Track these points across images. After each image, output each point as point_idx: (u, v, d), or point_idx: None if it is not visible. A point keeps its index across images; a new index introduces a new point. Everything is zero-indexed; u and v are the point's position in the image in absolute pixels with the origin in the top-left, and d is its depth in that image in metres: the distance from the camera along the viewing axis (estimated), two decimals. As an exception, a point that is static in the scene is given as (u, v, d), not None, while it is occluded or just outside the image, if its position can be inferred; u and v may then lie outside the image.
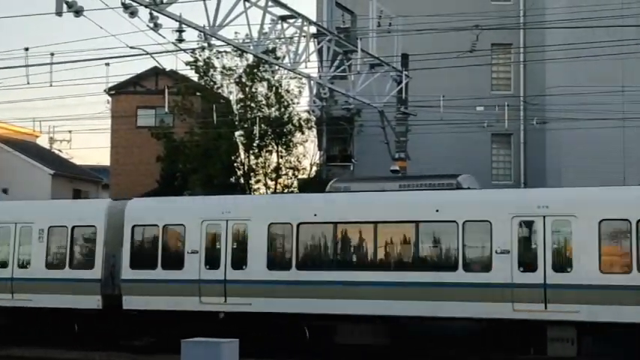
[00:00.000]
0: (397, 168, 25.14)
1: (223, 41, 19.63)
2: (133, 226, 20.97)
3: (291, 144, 32.96)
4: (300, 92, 32.76)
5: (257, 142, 32.08)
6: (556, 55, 27.52)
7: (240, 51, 28.00)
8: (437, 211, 18.44)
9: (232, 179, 32.71)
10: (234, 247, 20.10)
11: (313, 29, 22.03)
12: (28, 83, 21.84)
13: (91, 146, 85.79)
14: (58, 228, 21.91)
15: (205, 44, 23.68)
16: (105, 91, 36.04)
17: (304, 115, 32.55)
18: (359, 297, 18.63)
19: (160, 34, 16.95)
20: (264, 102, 32.67)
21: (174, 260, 20.51)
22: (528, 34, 31.98)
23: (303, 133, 33.24)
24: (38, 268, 21.87)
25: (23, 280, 21.90)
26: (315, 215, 19.52)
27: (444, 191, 19.26)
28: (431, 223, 18.52)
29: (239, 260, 19.92)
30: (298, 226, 19.49)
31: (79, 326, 21.52)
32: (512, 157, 33.26)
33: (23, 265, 22.15)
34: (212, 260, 20.11)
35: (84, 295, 21.04)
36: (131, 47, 20.07)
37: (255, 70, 32.26)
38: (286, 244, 19.80)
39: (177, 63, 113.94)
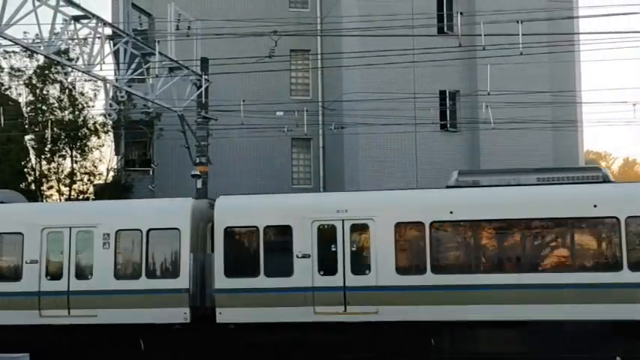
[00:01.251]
0: (198, 173, 24.90)
1: (11, 41, 18.57)
2: (226, 228, 18.33)
3: (86, 148, 31.78)
4: (95, 95, 31.68)
5: (49, 146, 30.67)
6: (352, 62, 28.33)
7: (30, 51, 26.60)
8: (595, 206, 17.16)
9: (23, 185, 31.03)
10: (353, 250, 17.95)
11: (108, 30, 21.33)
12: None
13: None
14: (129, 232, 18.81)
15: (-10, 43, 22.33)
16: None
17: (100, 119, 31.48)
18: (502, 302, 17.15)
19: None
20: (56, 105, 31.28)
21: (280, 266, 18.10)
22: (326, 41, 32.72)
23: (99, 137, 32.14)
24: (104, 279, 18.56)
25: (84, 294, 18.60)
26: (452, 213, 17.63)
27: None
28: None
29: (360, 264, 17.81)
30: (431, 225, 17.63)
31: (148, 344, 18.69)
32: (311, 161, 33.89)
33: (83, 276, 18.74)
34: (326, 265, 17.86)
35: (167, 307, 18.16)
36: None
37: (47, 72, 30.83)
38: (417, 246, 17.79)
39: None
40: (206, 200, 20.21)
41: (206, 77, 25.24)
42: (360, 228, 17.93)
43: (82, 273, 18.72)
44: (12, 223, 19.24)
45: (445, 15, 30.69)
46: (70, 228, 18.81)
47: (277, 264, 18.07)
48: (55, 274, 18.76)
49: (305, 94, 33.87)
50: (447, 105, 31.23)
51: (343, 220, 17.85)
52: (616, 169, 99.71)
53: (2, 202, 20.02)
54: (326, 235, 17.92)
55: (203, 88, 25.15)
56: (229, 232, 18.33)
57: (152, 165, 32.53)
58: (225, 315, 18.06)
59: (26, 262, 18.80)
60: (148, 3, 27.45)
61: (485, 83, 26.49)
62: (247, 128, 27.77)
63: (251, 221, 18.38)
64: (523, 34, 21.04)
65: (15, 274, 19.01)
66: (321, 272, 17.77)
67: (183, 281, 18.18)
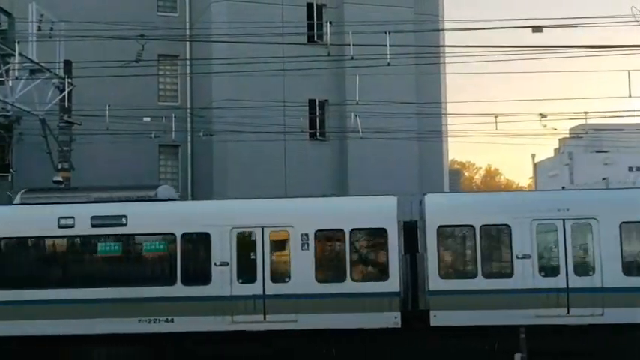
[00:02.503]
0: (60, 179, 24.03)
1: None
2: (439, 227, 17.50)
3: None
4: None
5: None
6: (222, 69, 28.07)
7: None
8: None
9: None
10: (576, 250, 17.41)
11: (-37, 29, 20.31)
12: None
13: None
14: (330, 232, 17.85)
15: None
16: None
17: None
18: None
19: None
20: None
21: (499, 268, 17.62)
22: (196, 47, 32.30)
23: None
24: (304, 282, 17.49)
25: (282, 298, 17.48)
26: None
27: None
28: None
29: (583, 266, 17.29)
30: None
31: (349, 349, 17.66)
32: (179, 168, 33.33)
33: (280, 279, 17.64)
34: (547, 266, 17.32)
35: (375, 312, 17.30)
36: None
37: None
38: None
39: None
40: (424, 197, 19.04)
41: (69, 80, 24.41)
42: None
43: (279, 275, 17.75)
44: (198, 223, 18.09)
45: (315, 24, 30.91)
46: (263, 228, 17.83)
47: (495, 264, 17.64)
48: (247, 277, 17.74)
49: (173, 100, 33.30)
50: (317, 114, 31.43)
51: (564, 220, 17.40)
52: (479, 179, 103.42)
53: (171, 199, 19.19)
54: (547, 235, 17.45)
55: (66, 92, 24.32)
56: (442, 231, 17.66)
57: (11, 170, 31.13)
58: (440, 318, 17.33)
59: (215, 264, 17.81)
60: (8, 2, 26.33)
61: (353, 93, 26.81)
62: (112, 134, 27.03)
63: (466, 220, 17.71)
64: (391, 45, 21.39)
65: (204, 277, 17.86)
66: (542, 274, 17.34)
67: (392, 284, 17.45)
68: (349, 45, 22.24)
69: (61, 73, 24.49)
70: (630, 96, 24.64)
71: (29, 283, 17.94)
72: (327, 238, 17.97)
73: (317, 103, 31.45)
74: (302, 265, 17.55)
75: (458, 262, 18.04)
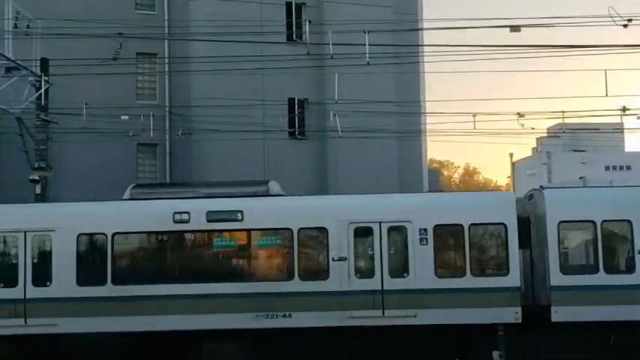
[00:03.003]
0: (37, 177, 23.80)
1: None
2: (560, 222, 17.40)
3: None
4: None
5: None
6: (200, 67, 27.96)
7: None
8: None
9: None
10: None
11: (-62, 26, 20.08)
12: None
13: None
14: (449, 227, 17.73)
15: None
16: None
17: None
18: None
19: None
20: None
21: (618, 263, 17.63)
22: (174, 45, 32.16)
23: None
24: (423, 278, 17.37)
25: (401, 293, 17.40)
26: None
27: None
28: None
29: None
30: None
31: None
32: (157, 167, 33.17)
33: (398, 275, 17.53)
34: None
35: (495, 307, 17.24)
36: None
37: None
38: None
39: None
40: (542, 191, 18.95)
41: (46, 78, 24.19)
42: None
43: (397, 271, 17.63)
44: (315, 218, 17.99)
45: (294, 23, 30.87)
46: (380, 223, 17.70)
47: (616, 260, 17.65)
48: (364, 272, 17.67)
49: (152, 99, 33.13)
50: (296, 113, 31.40)
51: None
52: (458, 178, 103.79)
53: (280, 195, 19.01)
54: None
55: (43, 90, 24.10)
56: (563, 227, 17.57)
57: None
58: (561, 314, 17.23)
59: (333, 260, 17.68)
60: (-16, -1, 26.07)
61: (333, 92, 26.80)
62: (90, 132, 26.85)
63: (587, 215, 17.60)
64: (370, 45, 21.40)
65: (322, 273, 17.79)
66: None
67: (513, 279, 17.38)
68: (328, 44, 22.24)
69: (38, 71, 24.28)
70: (607, 95, 24.79)
71: (142, 279, 17.89)
72: (446, 233, 17.90)
73: (296, 101, 31.42)
74: (421, 260, 17.51)
75: (579, 257, 18.06)
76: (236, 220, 17.82)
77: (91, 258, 18.19)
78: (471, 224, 17.67)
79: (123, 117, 28.68)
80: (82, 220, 18.11)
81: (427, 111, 32.92)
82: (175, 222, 17.84)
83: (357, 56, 22.10)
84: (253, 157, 30.02)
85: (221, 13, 28.75)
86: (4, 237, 18.06)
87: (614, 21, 17.78)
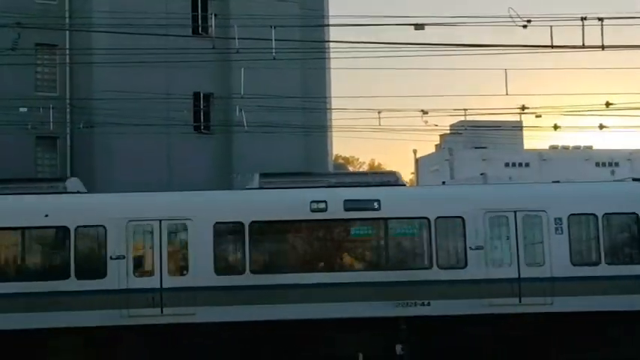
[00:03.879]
0: None
1: None
2: None
3: None
4: None
5: None
6: (103, 59, 27.35)
7: None
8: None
9: None
10: None
11: None
12: None
13: None
14: (582, 216, 18.16)
15: None
16: None
17: None
18: None
19: None
20: None
21: None
22: (76, 37, 31.29)
23: None
24: (559, 266, 17.82)
25: (538, 281, 17.70)
26: None
27: None
28: None
29: None
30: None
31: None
32: (58, 160, 32.24)
33: (534, 263, 17.88)
34: None
35: (633, 294, 17.71)
36: None
37: None
38: None
39: None
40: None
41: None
42: None
43: (533, 259, 17.93)
44: (451, 207, 18.27)
45: (200, 16, 30.53)
46: (516, 212, 18.08)
47: None
48: (502, 261, 18.00)
49: (52, 91, 32.15)
50: (201, 107, 31.06)
51: None
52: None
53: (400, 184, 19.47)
54: None
55: None
56: None
57: None
58: None
59: (470, 249, 18.03)
60: None
61: (239, 86, 26.59)
62: (-13, 124, 25.97)
63: None
64: (276, 40, 21.35)
65: (459, 261, 18.07)
66: None
67: None
68: (234, 38, 22.06)
69: None
70: (507, 94, 25.47)
71: (280, 267, 17.93)
72: (580, 222, 18.22)
73: (202, 96, 31.08)
74: (556, 249, 17.86)
75: None
76: (373, 209, 18.01)
77: (228, 247, 18.19)
78: (605, 214, 18.18)
79: (21, 109, 27.83)
80: (218, 209, 18.04)
81: (333, 107, 33.09)
82: (312, 211, 17.91)
83: (263, 51, 22.01)
84: (157, 151, 29.58)
85: (124, 5, 28.14)
86: (139, 226, 17.69)
87: (514, 21, 18.21)
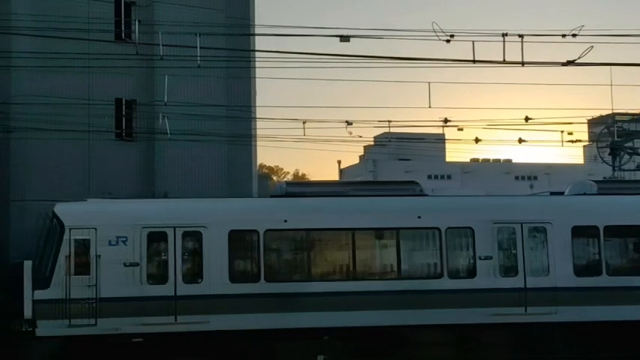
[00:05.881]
0: None
1: None
2: None
3: None
4: None
5: None
6: (22, 63, 26.67)
7: None
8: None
9: None
10: None
11: None
12: None
13: None
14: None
15: None
16: None
17: None
18: None
19: None
20: None
21: None
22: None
23: None
24: None
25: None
26: None
27: None
28: None
29: None
30: None
31: None
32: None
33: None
34: None
35: None
36: None
37: None
38: None
39: None
40: None
41: None
42: None
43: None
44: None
45: (123, 21, 30.05)
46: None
47: None
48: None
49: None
50: (123, 113, 30.53)
51: None
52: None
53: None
54: None
55: None
56: None
57: None
58: None
59: (479, 258, 18.75)
60: None
61: (162, 93, 26.25)
62: None
63: None
64: (201, 47, 21.19)
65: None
66: None
67: None
68: (158, 44, 21.81)
69: None
70: (430, 107, 25.80)
71: (296, 276, 18.27)
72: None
73: (124, 102, 30.57)
74: None
75: None
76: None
77: (243, 254, 18.12)
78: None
79: None
80: (232, 217, 18.11)
81: (258, 116, 32.97)
82: None
83: (188, 59, 21.82)
84: (78, 158, 28.93)
85: (45, 7, 27.48)
86: (154, 233, 17.60)
87: (437, 36, 18.47)
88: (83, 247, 17.70)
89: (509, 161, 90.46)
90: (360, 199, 18.91)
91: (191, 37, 21.36)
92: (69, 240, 17.64)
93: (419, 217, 18.69)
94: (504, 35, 18.92)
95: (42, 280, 17.48)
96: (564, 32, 18.69)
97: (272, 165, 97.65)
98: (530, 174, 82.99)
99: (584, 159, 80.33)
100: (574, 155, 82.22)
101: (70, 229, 17.71)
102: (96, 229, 17.70)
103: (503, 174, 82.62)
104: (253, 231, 17.84)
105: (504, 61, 18.89)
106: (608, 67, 26.76)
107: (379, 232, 18.80)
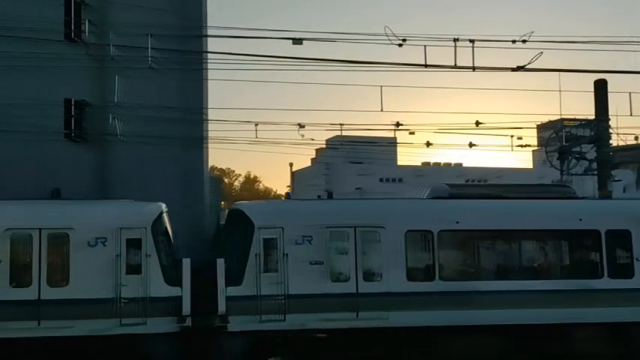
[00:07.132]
0: None
1: None
2: None
3: None
4: None
5: None
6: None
7: None
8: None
9: None
10: None
11: None
12: None
13: None
14: None
15: None
16: None
17: None
18: None
19: None
20: None
21: None
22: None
23: None
24: None
25: None
26: None
27: None
28: None
29: None
30: None
31: None
32: None
33: None
34: None
35: None
36: None
37: None
38: None
39: None
40: None
41: None
42: None
43: None
44: (619, 220, 20.11)
45: (73, 21, 29.64)
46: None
47: None
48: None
49: None
50: (73, 114, 30.10)
51: None
52: (239, 186, 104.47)
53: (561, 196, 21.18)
54: None
55: None
56: None
57: None
58: None
59: (637, 260, 19.96)
60: None
61: (114, 95, 25.97)
62: None
63: None
64: (152, 49, 21.06)
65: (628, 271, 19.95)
66: None
67: None
68: (109, 45, 21.61)
69: None
70: (382, 110, 25.97)
71: (468, 275, 19.62)
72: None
73: (74, 103, 30.16)
74: None
75: None
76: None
77: (419, 254, 19.17)
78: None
79: None
80: (409, 217, 18.89)
81: (210, 118, 32.80)
82: None
83: (139, 59, 21.66)
84: (26, 160, 28.48)
85: (-7, 7, 27.05)
86: (335, 232, 18.61)
87: (390, 40, 18.64)
88: (271, 245, 18.67)
89: (460, 165, 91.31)
90: (521, 201, 20.04)
91: (143, 39, 21.23)
92: (259, 239, 18.62)
93: (580, 220, 19.73)
94: (455, 40, 19.16)
95: (234, 278, 18.35)
96: (514, 38, 19.02)
97: (224, 167, 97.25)
98: (481, 177, 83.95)
99: (534, 163, 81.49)
100: (524, 159, 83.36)
101: (259, 228, 18.70)
102: (283, 228, 18.51)
103: (455, 177, 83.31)
104: (428, 231, 18.76)
105: (456, 66, 19.17)
106: (557, 72, 27.24)
107: (544, 234, 19.80)
